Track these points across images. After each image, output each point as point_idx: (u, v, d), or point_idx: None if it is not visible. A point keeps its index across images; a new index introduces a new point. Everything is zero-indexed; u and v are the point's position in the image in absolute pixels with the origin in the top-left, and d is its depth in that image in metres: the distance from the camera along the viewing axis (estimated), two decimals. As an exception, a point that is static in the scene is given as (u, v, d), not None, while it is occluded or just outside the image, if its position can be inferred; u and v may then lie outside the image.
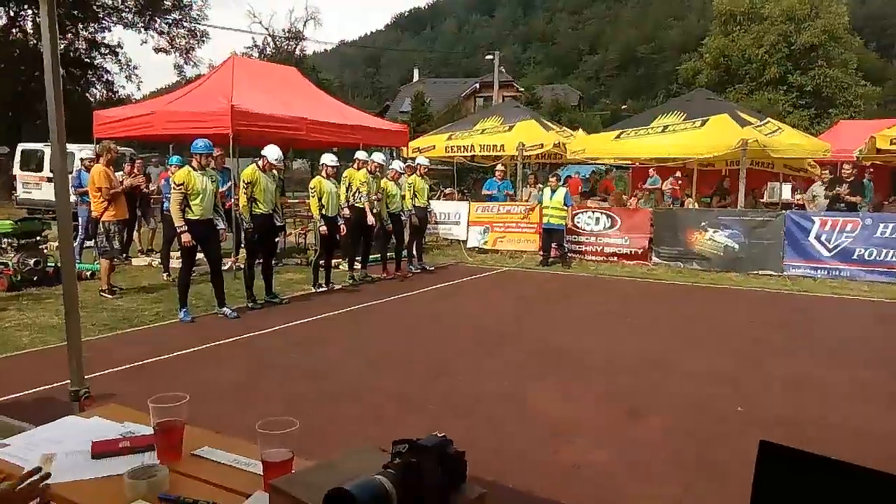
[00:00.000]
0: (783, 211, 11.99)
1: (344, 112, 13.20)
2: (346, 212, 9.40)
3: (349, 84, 55.88)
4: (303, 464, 1.58)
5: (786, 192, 16.46)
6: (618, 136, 13.36)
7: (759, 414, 4.74)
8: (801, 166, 14.37)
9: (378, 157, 10.09)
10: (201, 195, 7.20)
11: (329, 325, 7.58)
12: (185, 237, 7.13)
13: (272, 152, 8.20)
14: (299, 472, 1.50)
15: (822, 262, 10.88)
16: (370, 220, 9.63)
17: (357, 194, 9.54)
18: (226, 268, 9.24)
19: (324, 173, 9.17)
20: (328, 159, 9.19)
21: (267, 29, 36.45)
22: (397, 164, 10.73)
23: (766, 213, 12.27)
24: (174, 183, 7.24)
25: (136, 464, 1.64)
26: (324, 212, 9.03)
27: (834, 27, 35.08)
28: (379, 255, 10.66)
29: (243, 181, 8.07)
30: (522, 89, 46.42)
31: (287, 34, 36.36)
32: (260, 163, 8.18)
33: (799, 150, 12.81)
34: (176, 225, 7.18)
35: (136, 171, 11.42)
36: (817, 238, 10.89)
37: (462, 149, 15.44)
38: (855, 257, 10.63)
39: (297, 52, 36.80)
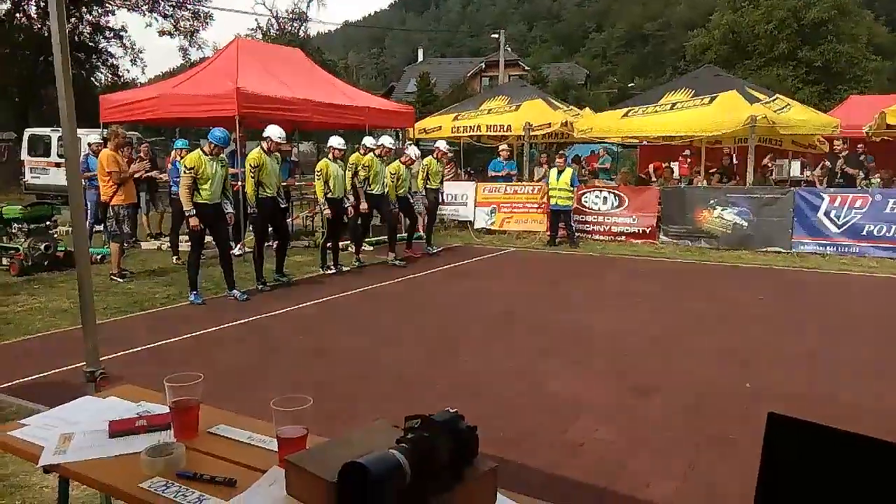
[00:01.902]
0: (792, 188, 11.91)
1: (349, 93, 13.15)
2: (352, 198, 9.39)
3: (354, 65, 55.52)
4: (317, 440, 1.61)
5: (795, 168, 16.35)
6: (626, 115, 13.26)
7: (768, 390, 4.75)
8: (810, 142, 14.25)
9: (386, 140, 10.05)
10: (211, 180, 7.22)
11: (338, 306, 7.62)
12: (193, 221, 7.16)
13: (275, 131, 8.13)
14: (314, 448, 1.52)
15: (831, 238, 10.83)
16: (363, 206, 9.57)
17: (364, 181, 9.54)
18: (237, 252, 9.30)
19: (330, 156, 9.13)
20: (335, 142, 9.16)
21: (270, 10, 36.26)
22: (413, 151, 10.61)
23: (774, 189, 12.21)
24: (184, 167, 7.23)
25: (153, 442, 1.67)
26: (330, 195, 9.03)
27: (844, 2, 34.60)
28: (385, 237, 10.66)
29: (250, 165, 8.03)
30: (528, 68, 46.04)
31: (291, 15, 36.13)
32: (264, 145, 8.15)
33: (808, 127, 12.69)
34: (185, 209, 7.21)
35: (143, 154, 11.44)
36: (826, 214, 10.84)
37: (468, 129, 15.35)
38: (864, 233, 10.58)
39: (301, 33, 36.55)
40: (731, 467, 3.54)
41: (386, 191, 9.84)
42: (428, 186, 11.12)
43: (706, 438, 3.97)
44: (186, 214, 7.20)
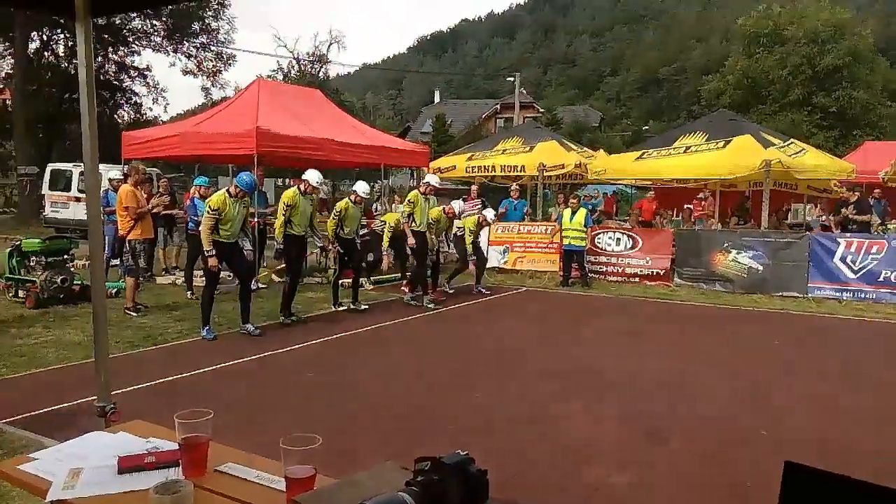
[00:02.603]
0: (807, 232, 11.85)
1: (366, 133, 13.34)
2: (411, 240, 9.56)
3: (371, 105, 56.39)
4: (325, 480, 1.59)
5: (810, 213, 16.30)
6: (640, 157, 13.33)
7: (784, 437, 4.66)
8: (826, 187, 14.22)
9: (360, 186, 9.28)
10: (232, 221, 7.35)
11: (350, 343, 7.60)
12: (212, 261, 7.23)
13: (313, 176, 8.33)
14: (322, 489, 1.51)
15: (847, 283, 10.72)
16: (410, 241, 9.61)
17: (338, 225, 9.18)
18: (252, 287, 9.32)
19: (352, 198, 9.17)
20: (361, 189, 9.17)
21: (292, 52, 36.98)
22: (432, 177, 10.62)
23: (790, 234, 12.15)
24: (209, 208, 7.28)
25: (162, 479, 1.66)
26: (342, 234, 9.07)
27: (859, 49, 34.84)
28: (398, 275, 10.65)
29: (283, 203, 8.17)
30: (543, 110, 46.55)
31: (311, 57, 36.86)
32: (301, 186, 8.29)
33: (823, 172, 12.68)
34: (204, 248, 7.27)
35: (162, 189, 11.60)
36: (842, 260, 10.75)
37: (482, 169, 15.47)
38: (881, 279, 10.48)
39: (321, 74, 37.25)
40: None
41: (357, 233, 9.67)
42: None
43: (721, 486, 3.88)
44: (206, 254, 7.26)
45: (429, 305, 9.80)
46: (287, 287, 8.46)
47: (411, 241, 9.59)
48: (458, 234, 11.00)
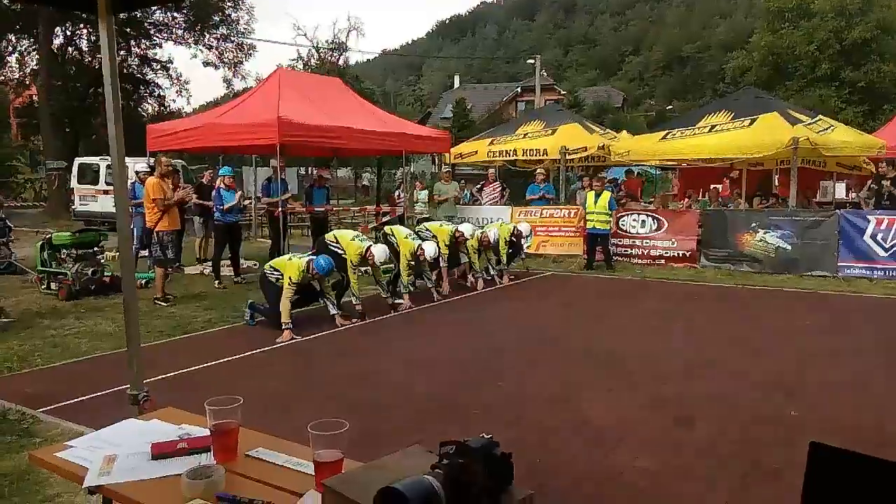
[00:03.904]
0: (837, 210, 11.65)
1: (386, 120, 13.33)
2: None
3: (391, 92, 56.32)
4: (352, 465, 1.62)
5: (840, 190, 15.99)
6: (664, 137, 13.16)
7: (814, 418, 4.62)
8: (855, 163, 13.94)
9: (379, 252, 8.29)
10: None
11: (375, 331, 7.65)
12: (287, 334, 6.97)
13: (379, 253, 8.04)
14: (350, 472, 1.53)
15: (878, 262, 10.53)
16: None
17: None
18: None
19: (368, 254, 8.06)
20: (379, 256, 8.10)
21: (311, 41, 36.92)
22: (466, 228, 10.00)
23: (818, 212, 11.95)
24: (290, 280, 7.06)
25: (194, 464, 1.70)
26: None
27: (888, 21, 33.94)
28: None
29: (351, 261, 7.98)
30: (564, 92, 46.11)
31: (331, 45, 36.81)
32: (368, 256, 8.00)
33: (852, 148, 12.42)
34: (283, 321, 7.00)
35: (205, 181, 11.64)
36: (873, 237, 10.55)
37: (504, 153, 15.39)
38: (914, 257, 10.27)
39: (341, 62, 37.23)
40: (774, 498, 3.44)
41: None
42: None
43: (749, 468, 3.86)
44: (284, 327, 7.00)
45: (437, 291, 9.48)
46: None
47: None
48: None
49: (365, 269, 8.57)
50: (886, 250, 10.47)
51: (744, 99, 13.77)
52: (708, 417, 4.68)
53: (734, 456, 4.03)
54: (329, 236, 8.65)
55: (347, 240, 8.28)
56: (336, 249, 8.12)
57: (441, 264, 9.53)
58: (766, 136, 11.76)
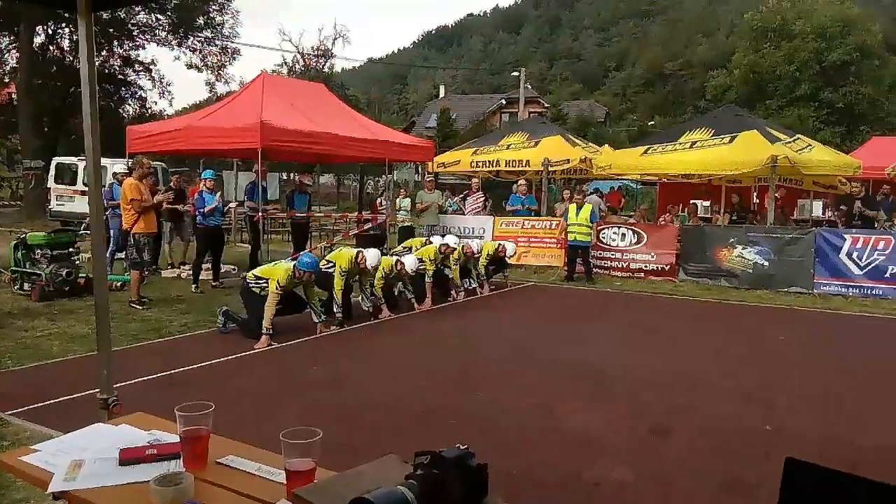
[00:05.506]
0: (813, 228, 11.81)
1: (370, 127, 13.32)
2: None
3: (376, 100, 56.33)
4: (325, 474, 1.59)
5: (817, 209, 16.22)
6: (645, 152, 13.28)
7: (788, 433, 4.65)
8: (832, 183, 14.16)
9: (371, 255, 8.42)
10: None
11: (352, 338, 7.61)
12: (265, 341, 6.88)
13: (372, 257, 8.09)
14: (322, 482, 1.51)
15: (853, 280, 10.69)
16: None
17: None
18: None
19: (360, 258, 8.10)
20: (371, 260, 8.13)
21: (297, 47, 36.86)
22: (450, 240, 10.06)
23: (796, 229, 12.11)
24: (277, 284, 6.95)
25: (163, 471, 1.66)
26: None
27: (867, 45, 34.66)
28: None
29: (340, 268, 7.93)
30: (548, 105, 46.42)
31: (316, 52, 36.78)
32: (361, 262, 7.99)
33: (829, 167, 12.62)
34: (264, 326, 6.88)
35: (173, 185, 11.57)
36: (848, 255, 10.71)
37: (487, 164, 15.45)
38: (887, 275, 10.44)
39: (326, 69, 37.17)
40: (750, 513, 3.45)
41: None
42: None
43: (725, 481, 3.87)
44: (263, 333, 6.89)
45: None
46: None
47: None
48: (421, 271, 9.38)
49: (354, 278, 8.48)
50: (861, 268, 10.63)
51: (724, 116, 13.96)
52: (684, 430, 4.70)
53: (710, 469, 4.04)
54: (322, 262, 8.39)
55: (339, 252, 8.33)
56: (328, 270, 8.07)
57: (427, 279, 9.42)
58: (746, 153, 11.91)
